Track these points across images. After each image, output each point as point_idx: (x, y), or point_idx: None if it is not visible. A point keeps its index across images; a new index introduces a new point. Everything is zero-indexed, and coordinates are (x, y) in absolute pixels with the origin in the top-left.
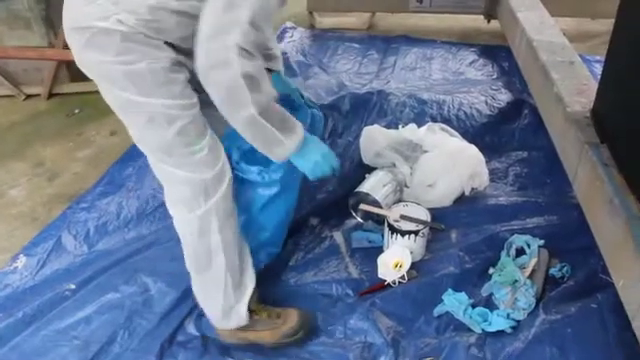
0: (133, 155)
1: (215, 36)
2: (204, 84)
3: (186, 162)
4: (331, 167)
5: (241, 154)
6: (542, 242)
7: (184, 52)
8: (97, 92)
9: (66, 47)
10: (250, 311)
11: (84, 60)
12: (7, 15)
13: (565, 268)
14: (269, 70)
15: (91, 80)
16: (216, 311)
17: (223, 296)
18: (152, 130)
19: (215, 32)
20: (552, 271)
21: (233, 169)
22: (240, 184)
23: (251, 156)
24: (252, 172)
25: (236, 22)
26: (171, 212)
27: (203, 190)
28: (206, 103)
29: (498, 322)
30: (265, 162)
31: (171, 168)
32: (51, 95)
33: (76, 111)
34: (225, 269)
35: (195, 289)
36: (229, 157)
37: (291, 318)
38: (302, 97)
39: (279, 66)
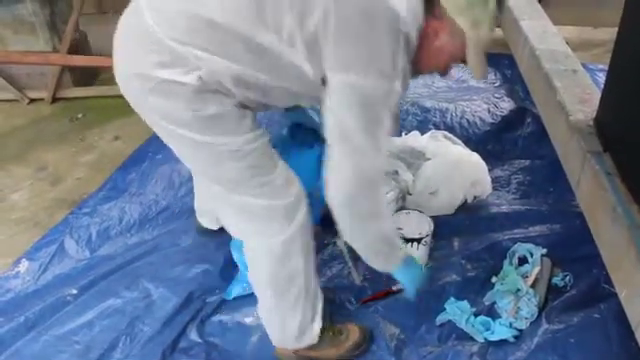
0: (136, 160)
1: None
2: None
3: (264, 190)
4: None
5: None
6: (545, 251)
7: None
8: (100, 97)
9: (70, 52)
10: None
11: (144, 104)
12: (12, 20)
13: (568, 277)
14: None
15: (94, 85)
16: (291, 332)
17: (300, 319)
18: (224, 167)
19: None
20: (555, 280)
21: None
22: None
23: None
24: None
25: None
26: (246, 241)
27: (285, 215)
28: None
29: (500, 331)
30: None
31: (247, 198)
32: (55, 100)
33: (79, 116)
34: (305, 290)
35: (266, 313)
36: None
37: (353, 333)
38: None
39: None
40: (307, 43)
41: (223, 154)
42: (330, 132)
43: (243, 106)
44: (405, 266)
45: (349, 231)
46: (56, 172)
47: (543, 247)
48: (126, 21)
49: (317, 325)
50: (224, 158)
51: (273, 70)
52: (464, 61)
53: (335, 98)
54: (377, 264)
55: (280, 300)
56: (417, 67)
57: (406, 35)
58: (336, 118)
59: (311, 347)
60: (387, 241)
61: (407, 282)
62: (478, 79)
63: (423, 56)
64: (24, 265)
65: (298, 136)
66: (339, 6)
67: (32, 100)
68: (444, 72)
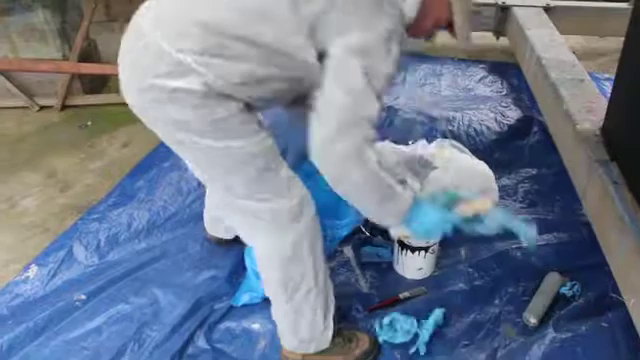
0: (145, 167)
1: (342, 135)
2: (333, 186)
3: (271, 194)
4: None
5: None
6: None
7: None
8: (109, 104)
9: (80, 60)
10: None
11: (155, 114)
12: (24, 28)
13: (576, 287)
14: None
15: (103, 93)
16: (303, 334)
17: (311, 321)
18: (235, 172)
19: (342, 131)
20: (562, 290)
21: None
22: None
23: None
24: None
25: (371, 114)
26: (255, 244)
27: (291, 217)
28: None
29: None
30: None
31: (253, 202)
32: (64, 107)
33: (88, 123)
34: (316, 289)
35: (280, 315)
36: None
37: (363, 342)
38: None
39: None
40: (309, 27)
41: (237, 157)
42: (330, 79)
43: (248, 108)
44: (417, 209)
45: (335, 175)
46: (65, 178)
47: (551, 256)
48: (129, 41)
49: (330, 327)
50: (239, 162)
51: (280, 63)
52: (449, 25)
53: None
54: (383, 215)
55: (292, 300)
56: (410, 27)
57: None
58: (339, 72)
59: (320, 353)
60: (383, 183)
61: (425, 230)
62: (463, 44)
63: (418, 15)
64: (33, 270)
65: None
66: None
67: (42, 107)
68: (430, 35)
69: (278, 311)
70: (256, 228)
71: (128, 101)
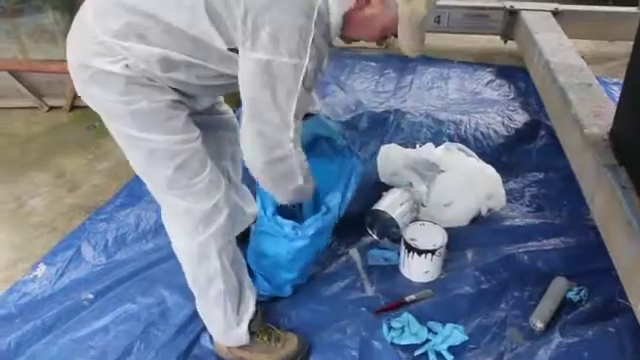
0: None
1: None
2: (254, 175)
3: (186, 193)
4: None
5: (275, 209)
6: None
7: (186, 95)
8: None
9: None
10: (251, 332)
11: (87, 94)
12: (34, 29)
13: (582, 291)
14: (308, 114)
15: None
16: (217, 329)
17: (223, 318)
18: (153, 164)
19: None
20: (569, 294)
21: (267, 221)
22: (271, 234)
23: (285, 210)
24: (286, 226)
25: (288, 123)
26: (171, 239)
27: (203, 219)
28: (212, 126)
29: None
30: (301, 205)
31: (172, 198)
32: (73, 107)
33: (97, 124)
34: (224, 293)
35: (198, 307)
36: (263, 210)
37: (290, 344)
38: (343, 137)
39: (317, 106)
40: (213, 17)
41: (155, 152)
42: (243, 105)
43: (177, 103)
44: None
45: (268, 188)
46: (74, 178)
47: (557, 261)
48: (76, 20)
49: (243, 326)
50: (156, 156)
51: (192, 48)
52: (396, 35)
53: (245, 73)
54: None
55: (202, 299)
56: (347, 33)
57: (320, 8)
58: (247, 92)
59: (243, 348)
60: (301, 190)
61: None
62: (408, 55)
63: (353, 22)
64: (42, 269)
65: (317, 148)
66: None
67: (51, 108)
68: (378, 42)
69: (196, 303)
70: (172, 222)
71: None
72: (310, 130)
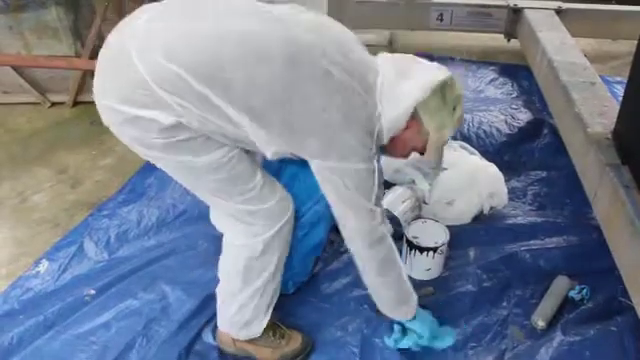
0: (155, 165)
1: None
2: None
3: (244, 199)
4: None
5: None
6: None
7: None
8: None
9: (92, 57)
10: None
11: (119, 131)
12: (37, 25)
13: (584, 290)
14: None
15: None
16: (240, 320)
17: (256, 306)
18: (201, 180)
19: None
20: (571, 293)
21: None
22: None
23: None
24: None
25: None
26: (230, 236)
27: (268, 217)
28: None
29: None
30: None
31: (233, 204)
32: (76, 103)
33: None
34: (269, 282)
35: (228, 296)
36: None
37: (294, 342)
38: None
39: None
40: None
41: (201, 170)
42: (333, 208)
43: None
44: (419, 315)
45: (368, 270)
46: (76, 174)
47: (560, 260)
48: (111, 51)
49: (266, 319)
50: (202, 173)
51: (237, 139)
52: (422, 152)
53: (321, 179)
54: (392, 310)
55: (245, 288)
56: (386, 151)
57: (379, 131)
58: (330, 197)
59: (250, 341)
60: (398, 290)
61: (421, 330)
62: (432, 169)
63: (393, 144)
64: (44, 265)
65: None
66: (322, 106)
67: (54, 103)
68: (405, 157)
69: (227, 292)
70: (233, 226)
71: (96, 103)
72: None
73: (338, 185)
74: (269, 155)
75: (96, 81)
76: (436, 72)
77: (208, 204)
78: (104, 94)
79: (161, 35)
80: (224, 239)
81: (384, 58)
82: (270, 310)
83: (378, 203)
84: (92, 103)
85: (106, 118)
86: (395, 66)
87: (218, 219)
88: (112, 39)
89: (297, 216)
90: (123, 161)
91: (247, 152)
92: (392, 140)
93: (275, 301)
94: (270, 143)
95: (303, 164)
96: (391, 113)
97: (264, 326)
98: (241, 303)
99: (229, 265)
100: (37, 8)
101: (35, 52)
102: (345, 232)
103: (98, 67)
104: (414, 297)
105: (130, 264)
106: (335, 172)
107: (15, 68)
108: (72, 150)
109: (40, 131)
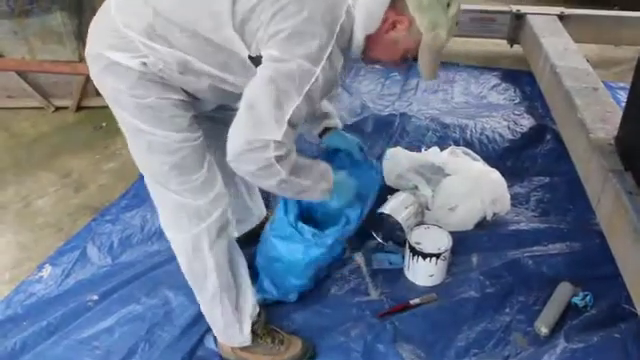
0: None
1: (244, 157)
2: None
3: (181, 189)
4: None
5: (296, 215)
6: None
7: (195, 97)
8: None
9: None
10: (255, 334)
11: (99, 82)
12: (41, 30)
13: (588, 297)
14: (327, 129)
15: None
16: (218, 327)
17: (221, 315)
18: (152, 157)
19: (243, 155)
20: (575, 300)
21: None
22: (289, 240)
23: (307, 217)
24: (307, 232)
25: (281, 123)
26: (166, 233)
27: (196, 214)
28: (225, 122)
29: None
30: (320, 226)
31: (166, 192)
32: (79, 108)
33: (103, 124)
34: (220, 289)
35: (201, 306)
36: (285, 215)
37: (294, 347)
38: (362, 150)
39: (336, 122)
40: (241, 25)
41: (155, 145)
42: (243, 97)
43: (183, 103)
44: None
45: (250, 180)
46: (80, 179)
47: (563, 266)
48: (100, 11)
49: (245, 326)
50: (155, 149)
51: (214, 56)
52: (416, 58)
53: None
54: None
55: (201, 295)
56: (369, 53)
57: (343, 25)
58: (251, 85)
59: (247, 348)
60: (295, 187)
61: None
62: (426, 79)
63: (376, 45)
64: (47, 270)
65: (337, 161)
66: None
67: (57, 108)
68: (396, 64)
69: (199, 301)
70: (166, 217)
71: (86, 55)
72: (330, 144)
73: (263, 76)
74: (243, 53)
75: (88, 37)
76: None
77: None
78: (90, 44)
79: None
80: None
81: None
82: (246, 316)
83: (291, 123)
84: (96, 108)
85: (92, 68)
86: None
87: (158, 212)
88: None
89: (318, 239)
90: (127, 165)
91: (204, 146)
92: (379, 40)
93: (250, 308)
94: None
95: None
96: (365, 4)
97: (248, 336)
98: (208, 309)
99: (183, 271)
100: (41, 13)
101: (39, 57)
102: (237, 124)
103: (90, 27)
104: (327, 174)
105: (133, 269)
106: (269, 59)
107: (19, 73)
108: (76, 154)
109: (44, 135)
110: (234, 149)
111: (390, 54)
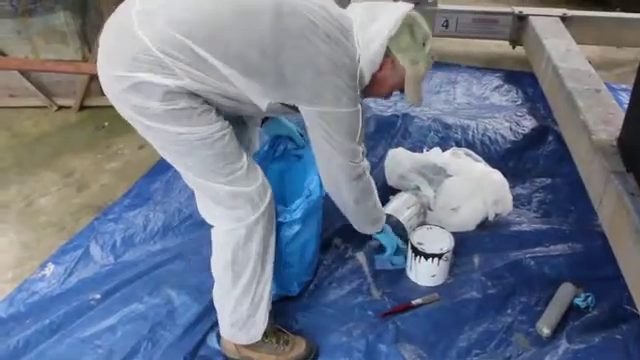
0: (161, 169)
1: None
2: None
3: (231, 179)
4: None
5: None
6: None
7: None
8: None
9: None
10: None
11: (124, 99)
12: (45, 29)
13: (590, 298)
14: (266, 118)
15: None
16: (238, 319)
17: (249, 305)
18: (196, 156)
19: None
20: (576, 301)
21: None
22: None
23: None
24: (279, 212)
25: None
26: (215, 224)
27: (250, 201)
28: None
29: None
30: (285, 202)
31: (217, 185)
32: (82, 107)
33: (106, 124)
34: (257, 274)
35: (222, 297)
36: None
37: (299, 347)
38: (301, 135)
39: None
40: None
41: (194, 143)
42: (315, 151)
43: (208, 102)
44: (386, 230)
45: (343, 210)
46: (82, 178)
47: (564, 267)
48: (113, 28)
49: (263, 320)
50: (195, 147)
51: (233, 98)
52: (402, 90)
53: (311, 124)
54: (363, 228)
55: (236, 281)
56: (369, 93)
57: (361, 71)
58: (318, 140)
59: (252, 347)
60: (371, 215)
61: (386, 242)
62: (413, 104)
63: (374, 84)
64: (50, 269)
65: (280, 146)
66: (311, 55)
67: (60, 107)
68: (386, 97)
69: (221, 292)
70: (216, 209)
71: (100, 80)
72: (271, 131)
73: (327, 129)
74: (263, 108)
75: (101, 52)
76: (400, 8)
77: (192, 188)
78: (109, 64)
79: (161, 4)
80: (212, 232)
81: (355, 7)
82: (266, 313)
83: (361, 142)
84: (98, 107)
85: (109, 88)
86: (366, 12)
87: (204, 209)
88: (114, 16)
89: (287, 215)
90: (129, 165)
91: (236, 134)
92: (372, 80)
93: (270, 304)
94: (265, 95)
95: (287, 163)
96: (368, 53)
97: (263, 329)
98: (235, 299)
99: (219, 259)
100: (45, 13)
101: (42, 56)
102: (328, 170)
103: (103, 40)
104: (383, 217)
105: (136, 268)
106: (325, 116)
107: (22, 72)
108: (78, 154)
109: (46, 135)
110: (331, 188)
111: (382, 90)
